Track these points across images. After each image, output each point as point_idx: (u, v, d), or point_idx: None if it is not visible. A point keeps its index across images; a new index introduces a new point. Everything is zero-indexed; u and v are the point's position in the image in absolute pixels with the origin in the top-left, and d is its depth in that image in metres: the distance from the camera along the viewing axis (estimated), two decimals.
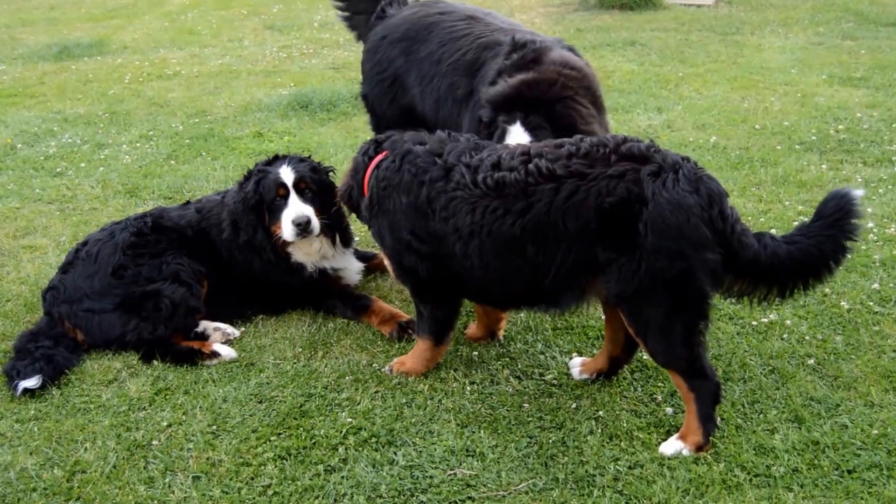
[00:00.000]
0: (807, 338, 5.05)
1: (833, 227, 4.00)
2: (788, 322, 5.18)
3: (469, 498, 3.97)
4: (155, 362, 5.09)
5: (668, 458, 4.13)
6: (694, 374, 4.10)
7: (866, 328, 5.11)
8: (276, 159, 5.64)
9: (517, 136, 4.73)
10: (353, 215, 5.10)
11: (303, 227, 5.32)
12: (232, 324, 5.45)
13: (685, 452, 4.15)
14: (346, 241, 5.77)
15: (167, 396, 4.80)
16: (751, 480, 3.99)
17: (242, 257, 5.53)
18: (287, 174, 5.45)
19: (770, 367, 4.79)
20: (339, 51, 12.90)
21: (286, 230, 5.35)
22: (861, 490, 3.89)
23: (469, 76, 5.26)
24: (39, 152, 8.98)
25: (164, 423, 4.55)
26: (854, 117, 8.75)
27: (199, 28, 14.82)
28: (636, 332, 4.14)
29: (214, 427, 4.51)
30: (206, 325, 5.36)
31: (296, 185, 5.43)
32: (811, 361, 4.82)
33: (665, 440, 4.25)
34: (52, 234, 6.93)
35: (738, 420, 4.40)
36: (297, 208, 5.36)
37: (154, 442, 4.42)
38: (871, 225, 6.29)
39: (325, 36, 13.88)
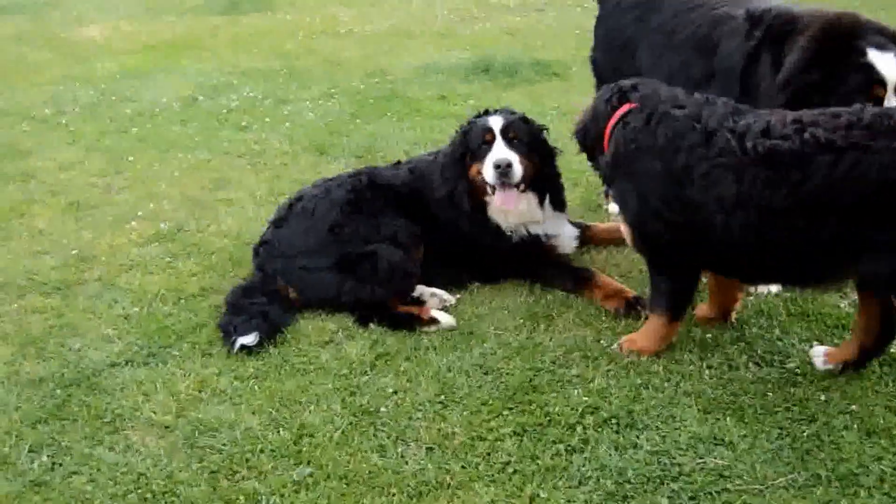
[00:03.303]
0: None
1: None
2: None
3: (725, 489, 3.71)
4: (371, 325, 4.95)
5: None
6: None
7: None
8: (487, 112, 5.44)
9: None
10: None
11: (503, 171, 5.09)
12: (447, 290, 5.27)
13: None
14: (559, 203, 5.53)
15: (388, 362, 4.65)
16: None
17: (453, 216, 5.34)
18: (495, 121, 5.27)
19: None
20: (510, 15, 12.67)
21: (487, 173, 5.14)
22: None
23: (702, 55, 4.95)
24: (221, 105, 9.00)
25: (390, 390, 4.40)
26: None
27: None
28: None
29: (443, 397, 4.34)
30: (422, 290, 5.19)
31: (503, 131, 5.23)
32: None
33: None
34: (246, 188, 6.89)
35: None
36: (500, 151, 5.15)
37: (382, 409, 4.28)
38: None
39: (495, 0, 13.60)
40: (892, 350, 4.47)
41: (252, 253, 5.40)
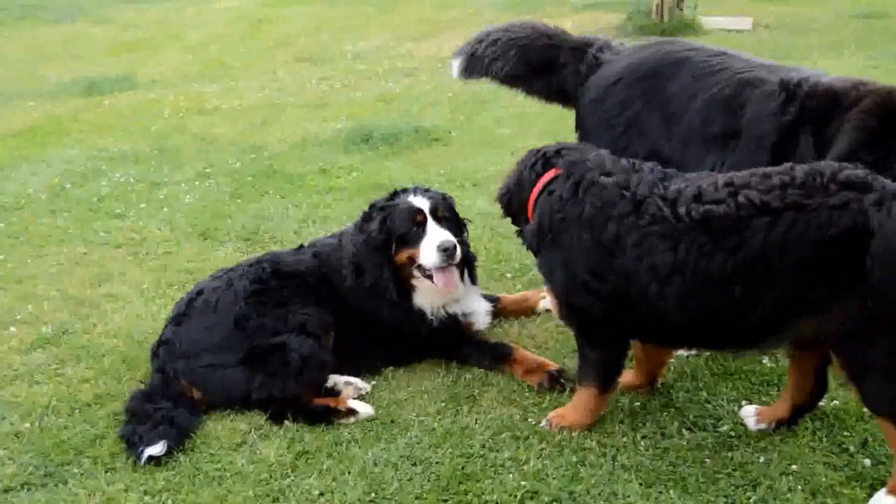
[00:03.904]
0: None
1: None
2: None
3: None
4: (286, 422, 4.69)
5: None
6: None
7: None
8: (397, 194, 5.30)
9: None
10: None
11: (450, 253, 4.97)
12: (360, 377, 5.05)
13: None
14: (473, 278, 5.42)
15: (309, 461, 4.40)
16: None
17: (370, 304, 5.15)
18: (421, 201, 5.14)
19: None
20: (382, 82, 12.56)
21: (429, 257, 5.00)
22: None
23: (726, 113, 4.62)
24: (92, 192, 8.60)
25: (316, 492, 4.15)
26: None
27: (227, 61, 14.47)
28: (851, 376, 3.77)
29: (373, 495, 4.12)
30: (335, 379, 4.96)
31: (433, 212, 5.11)
32: None
33: (871, 495, 3.89)
34: (130, 281, 6.54)
35: None
36: (439, 233, 5.03)
37: None
38: None
39: (363, 67, 13.54)
40: (820, 404, 4.43)
41: (150, 354, 5.08)
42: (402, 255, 5.11)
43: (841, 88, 4.31)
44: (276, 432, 4.63)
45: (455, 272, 5.13)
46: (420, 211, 5.10)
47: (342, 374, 5.02)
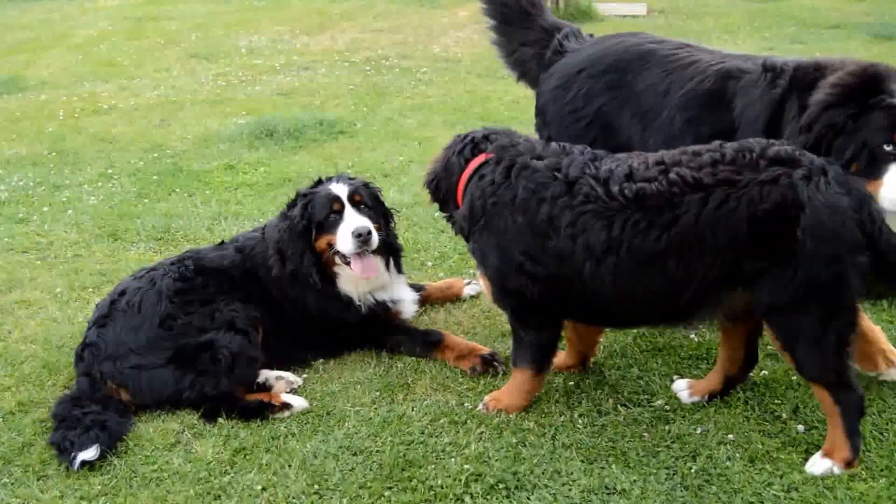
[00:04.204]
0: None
1: None
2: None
3: None
4: (220, 420, 4.62)
5: (821, 478, 3.89)
6: (842, 385, 3.87)
7: None
8: (321, 182, 5.29)
9: None
10: None
11: (364, 239, 4.96)
12: (291, 371, 5.00)
13: (836, 470, 3.91)
14: (399, 266, 5.42)
15: (247, 457, 4.34)
16: None
17: (296, 294, 5.12)
18: (340, 188, 5.13)
19: None
20: (279, 76, 12.41)
21: (345, 243, 5.00)
22: None
23: (714, 111, 4.53)
24: None
25: (258, 487, 4.10)
26: None
27: (118, 60, 14.11)
28: (784, 345, 3.89)
29: (316, 486, 4.08)
30: (266, 374, 4.91)
31: (350, 198, 5.11)
32: None
33: (807, 459, 4.00)
34: (42, 286, 6.35)
35: (875, 431, 4.16)
36: (355, 219, 5.04)
37: None
38: None
39: (258, 62, 13.35)
40: (750, 374, 4.54)
41: (74, 358, 4.94)
42: (322, 242, 5.10)
43: (825, 62, 4.37)
44: (210, 430, 4.56)
45: (376, 259, 5.13)
46: (338, 198, 5.09)
47: (272, 369, 4.97)
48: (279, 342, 5.04)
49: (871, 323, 4.55)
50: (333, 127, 9.69)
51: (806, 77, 4.30)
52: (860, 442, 3.96)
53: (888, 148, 3.94)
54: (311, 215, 5.08)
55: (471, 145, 4.47)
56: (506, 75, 11.04)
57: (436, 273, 6.16)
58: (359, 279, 5.11)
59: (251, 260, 5.20)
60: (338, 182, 5.19)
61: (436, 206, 4.79)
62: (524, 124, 5.80)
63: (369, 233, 4.98)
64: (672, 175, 3.81)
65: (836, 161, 3.91)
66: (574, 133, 4.94)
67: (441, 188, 4.60)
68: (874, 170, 3.98)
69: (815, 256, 3.66)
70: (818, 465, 3.95)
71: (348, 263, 5.08)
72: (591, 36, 5.46)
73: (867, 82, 4.02)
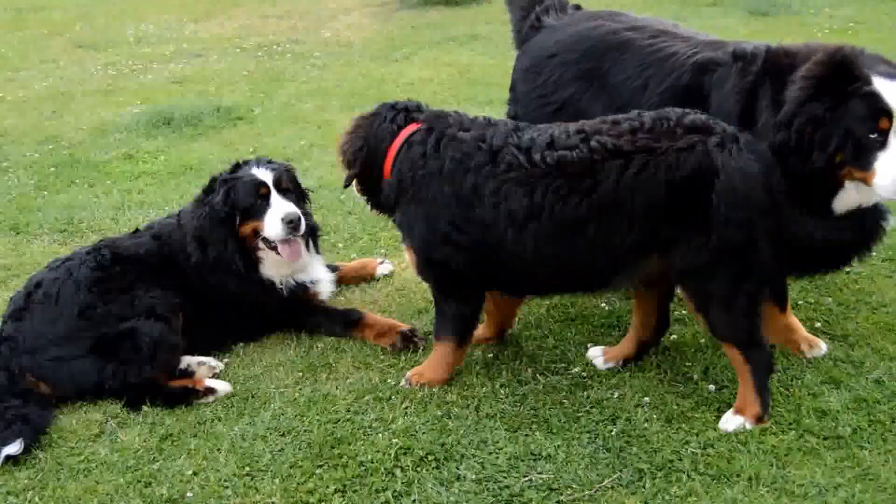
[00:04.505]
0: (800, 303, 5.11)
1: None
2: None
3: (559, 502, 3.79)
4: (144, 408, 4.62)
5: (735, 434, 4.08)
6: (752, 344, 4.07)
7: (847, 287, 5.22)
8: (239, 166, 5.27)
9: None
10: None
11: (294, 225, 4.99)
12: (212, 356, 5.02)
13: (748, 426, 4.10)
14: (317, 247, 5.47)
15: (175, 443, 4.36)
16: (824, 444, 4.00)
17: (216, 280, 5.11)
18: (264, 174, 5.13)
19: None
20: (171, 64, 12.25)
21: (272, 228, 5.01)
22: None
23: (692, 107, 4.26)
24: None
25: (189, 472, 4.13)
26: None
27: (1, 51, 13.76)
28: (698, 307, 4.08)
29: (247, 468, 4.13)
30: (188, 360, 4.91)
31: (276, 184, 5.11)
32: (818, 324, 4.88)
33: (720, 417, 4.19)
34: None
35: (781, 388, 4.37)
36: (283, 206, 5.04)
37: (188, 494, 4.00)
38: None
39: (147, 50, 13.17)
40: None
41: None
42: (247, 228, 5.10)
43: (795, 48, 4.37)
44: (134, 419, 4.57)
45: (300, 243, 5.16)
46: (264, 183, 5.10)
47: (193, 354, 4.99)
48: (199, 328, 5.03)
49: (793, 317, 4.75)
50: (231, 113, 9.65)
51: (777, 65, 4.29)
52: (769, 398, 4.17)
53: (874, 136, 3.93)
54: (234, 202, 5.06)
55: (404, 113, 4.53)
56: (399, 58, 11.23)
57: (347, 254, 6.21)
58: (282, 263, 5.14)
59: (168, 247, 5.18)
60: (259, 167, 5.19)
61: (342, 182, 4.77)
62: None
63: (299, 219, 5.01)
64: (593, 143, 3.95)
65: (821, 152, 3.96)
66: (541, 117, 4.88)
67: (368, 157, 4.56)
68: (862, 160, 3.95)
69: (728, 220, 3.84)
70: (731, 421, 4.13)
71: (273, 248, 5.10)
72: (578, 8, 5.43)
73: (838, 70, 4.02)
